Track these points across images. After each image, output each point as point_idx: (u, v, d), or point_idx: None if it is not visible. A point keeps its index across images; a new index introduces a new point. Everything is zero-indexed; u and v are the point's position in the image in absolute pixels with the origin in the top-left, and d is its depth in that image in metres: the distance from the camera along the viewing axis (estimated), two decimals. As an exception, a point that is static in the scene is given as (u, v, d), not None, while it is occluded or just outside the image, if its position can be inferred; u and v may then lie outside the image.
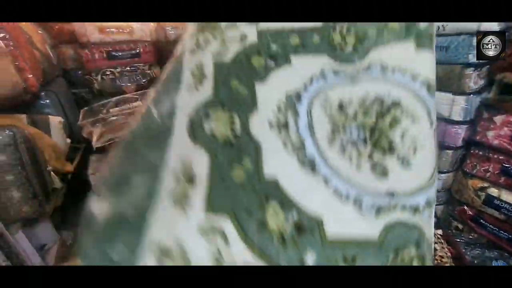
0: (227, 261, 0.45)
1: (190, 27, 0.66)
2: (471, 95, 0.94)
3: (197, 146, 0.57)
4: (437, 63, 1.03)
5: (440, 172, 1.12)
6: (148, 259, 0.47)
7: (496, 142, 0.90)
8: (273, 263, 0.47)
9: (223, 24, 0.66)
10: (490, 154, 0.94)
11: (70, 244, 1.17)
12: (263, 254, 0.48)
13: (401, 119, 0.62)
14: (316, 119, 0.64)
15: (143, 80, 1.41)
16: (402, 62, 0.65)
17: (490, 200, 0.93)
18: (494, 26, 0.84)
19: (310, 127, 0.63)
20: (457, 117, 0.99)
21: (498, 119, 0.89)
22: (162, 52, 1.48)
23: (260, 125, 0.61)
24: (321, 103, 0.65)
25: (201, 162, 0.55)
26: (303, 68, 0.65)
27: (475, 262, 0.98)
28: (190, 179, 0.54)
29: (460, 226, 1.11)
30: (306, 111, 0.64)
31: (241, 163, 0.57)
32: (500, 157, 0.91)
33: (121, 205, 0.54)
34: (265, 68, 0.63)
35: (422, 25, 0.63)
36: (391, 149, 0.62)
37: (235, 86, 0.63)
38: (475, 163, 0.98)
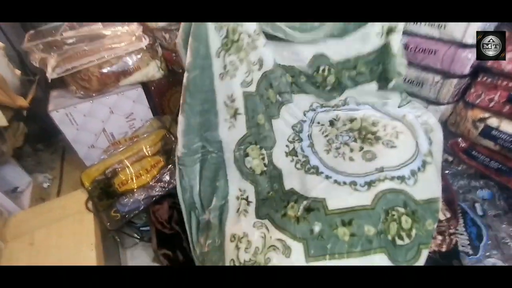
0: (268, 237, 0.72)
1: (215, 43, 0.75)
2: (493, 11, 0.80)
3: (243, 178, 0.86)
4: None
5: (439, 103, 1.05)
6: (226, 242, 0.78)
7: (509, 67, 0.81)
8: (291, 236, 0.69)
9: (245, 42, 0.78)
10: (499, 81, 0.85)
11: (48, 187, 1.11)
12: (285, 231, 0.71)
13: (380, 121, 0.86)
14: (315, 139, 0.90)
15: (103, -3, 1.15)
16: (369, 99, 0.96)
17: (487, 131, 0.89)
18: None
19: (311, 145, 0.89)
20: (470, 39, 0.86)
21: (519, 39, 0.78)
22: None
23: (279, 155, 0.88)
24: (317, 123, 0.93)
25: (248, 189, 0.85)
26: (300, 103, 0.94)
27: (461, 192, 1.00)
28: (245, 199, 0.84)
29: (450, 159, 1.10)
30: (307, 136, 0.91)
31: (272, 187, 0.84)
32: (510, 84, 0.83)
33: (207, 215, 0.85)
34: (277, 103, 0.90)
35: (382, 67, 0.95)
36: (377, 138, 0.82)
37: (261, 122, 0.85)
38: (480, 92, 0.90)
